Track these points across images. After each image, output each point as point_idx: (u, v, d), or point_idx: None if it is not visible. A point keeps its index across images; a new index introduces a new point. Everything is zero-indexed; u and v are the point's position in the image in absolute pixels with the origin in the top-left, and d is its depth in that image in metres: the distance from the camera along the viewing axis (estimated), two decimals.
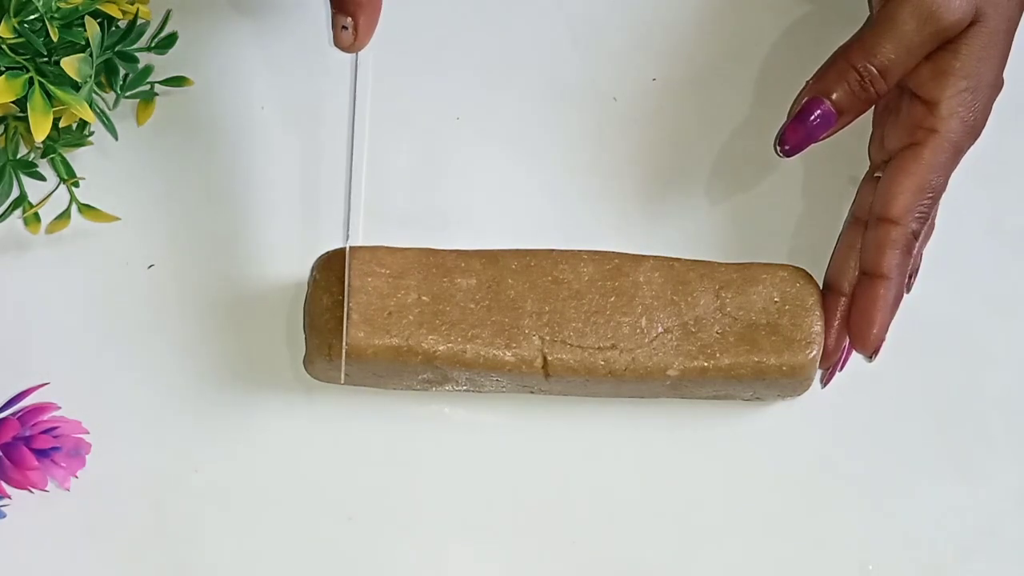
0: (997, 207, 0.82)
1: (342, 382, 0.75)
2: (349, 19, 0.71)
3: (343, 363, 0.74)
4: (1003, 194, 0.82)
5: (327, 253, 0.76)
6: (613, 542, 0.77)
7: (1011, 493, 0.79)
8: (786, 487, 0.78)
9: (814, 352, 0.75)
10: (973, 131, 0.75)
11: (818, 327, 0.76)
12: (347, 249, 0.75)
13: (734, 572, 0.77)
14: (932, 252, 0.77)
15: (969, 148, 0.75)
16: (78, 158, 0.78)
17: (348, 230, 0.76)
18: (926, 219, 0.75)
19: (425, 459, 0.77)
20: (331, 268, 0.76)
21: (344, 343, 0.73)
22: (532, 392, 0.77)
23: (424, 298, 0.75)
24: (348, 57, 0.74)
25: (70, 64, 0.71)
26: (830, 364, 0.77)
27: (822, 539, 0.78)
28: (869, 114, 0.78)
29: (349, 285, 0.74)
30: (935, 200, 0.75)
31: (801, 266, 0.77)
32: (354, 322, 0.74)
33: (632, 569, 0.77)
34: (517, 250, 0.76)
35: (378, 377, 0.76)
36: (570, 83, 0.81)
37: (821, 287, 0.76)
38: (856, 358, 0.77)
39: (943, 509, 0.78)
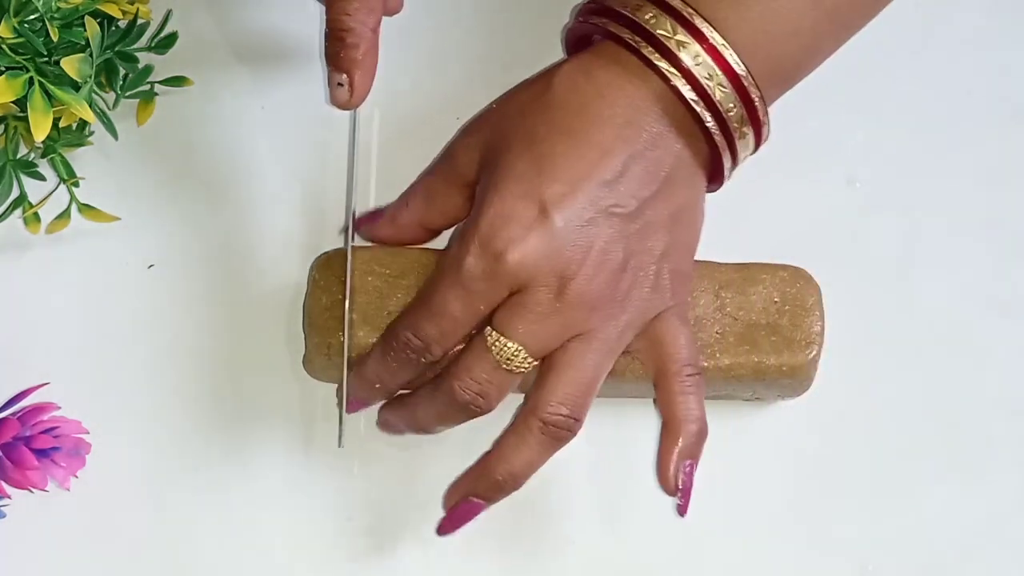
0: (997, 207, 0.82)
1: (343, 391, 0.75)
2: (345, 76, 0.71)
3: (344, 367, 0.74)
4: (1003, 194, 0.82)
5: (326, 253, 0.76)
6: (613, 542, 0.77)
7: (1011, 493, 0.79)
8: (786, 487, 0.78)
9: (814, 352, 0.75)
10: None
11: (818, 327, 0.75)
12: (348, 251, 0.75)
13: (734, 572, 0.77)
14: (932, 252, 0.77)
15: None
16: (78, 158, 0.78)
17: (351, 233, 0.76)
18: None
19: (425, 459, 0.77)
20: (330, 268, 0.75)
21: (345, 357, 0.74)
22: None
23: None
24: None
25: (70, 64, 0.71)
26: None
27: (822, 539, 0.78)
28: (863, 113, 0.78)
29: (351, 289, 0.74)
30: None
31: (801, 266, 0.77)
32: (353, 321, 0.74)
33: (632, 569, 0.77)
34: None
35: None
36: None
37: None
38: (852, 362, 0.77)
39: (943, 509, 0.78)
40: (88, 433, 0.75)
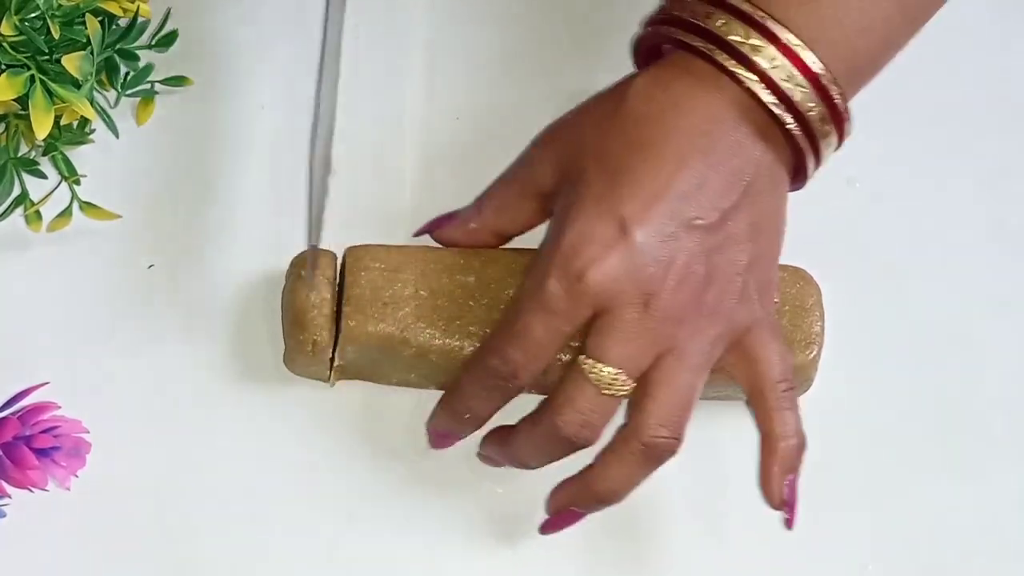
0: (997, 207, 0.82)
1: (329, 379, 0.75)
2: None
3: (336, 352, 0.74)
4: (1003, 194, 0.82)
5: (313, 249, 0.76)
6: (613, 542, 0.77)
7: (1011, 493, 0.79)
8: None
9: (814, 352, 0.75)
10: None
11: (818, 327, 0.76)
12: (308, 250, 0.75)
13: (734, 572, 0.77)
14: (932, 252, 0.77)
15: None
16: (79, 156, 0.78)
17: (315, 228, 0.75)
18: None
19: (424, 459, 0.77)
20: (316, 264, 0.75)
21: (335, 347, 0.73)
22: (532, 392, 0.77)
23: (422, 292, 0.74)
24: (349, 57, 0.75)
25: (71, 62, 0.72)
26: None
27: (822, 539, 0.78)
28: (863, 114, 0.78)
29: (340, 282, 0.74)
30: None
31: (801, 266, 0.77)
32: (346, 313, 0.74)
33: (633, 569, 0.77)
34: (517, 249, 0.76)
35: (370, 372, 0.76)
36: (570, 83, 0.81)
37: None
38: (852, 362, 0.77)
39: (943, 509, 0.78)
40: (88, 433, 0.75)
